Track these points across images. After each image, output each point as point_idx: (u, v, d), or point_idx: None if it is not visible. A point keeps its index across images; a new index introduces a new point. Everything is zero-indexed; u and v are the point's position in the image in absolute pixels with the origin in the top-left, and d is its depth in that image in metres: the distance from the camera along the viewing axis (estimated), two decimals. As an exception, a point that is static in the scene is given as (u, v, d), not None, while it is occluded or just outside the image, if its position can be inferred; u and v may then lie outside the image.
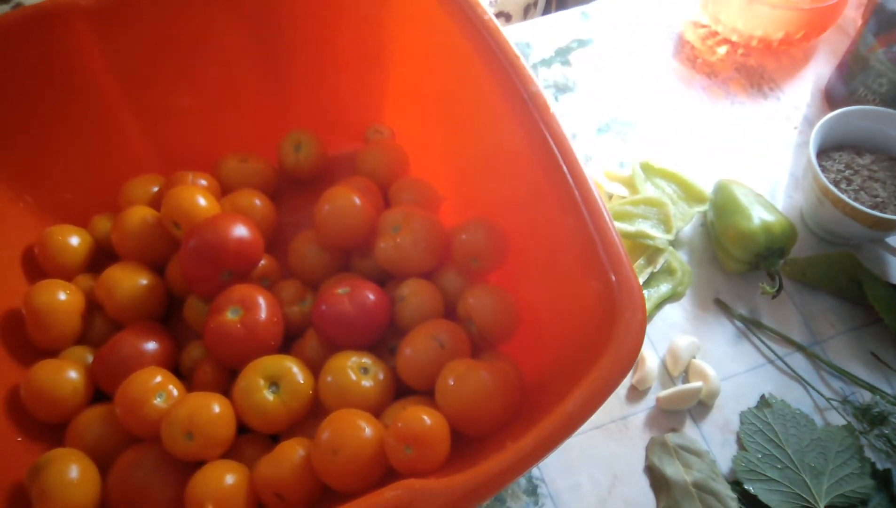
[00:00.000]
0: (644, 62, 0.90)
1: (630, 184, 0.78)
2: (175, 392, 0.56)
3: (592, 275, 0.46)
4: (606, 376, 0.42)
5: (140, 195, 0.69)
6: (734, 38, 0.90)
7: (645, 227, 0.74)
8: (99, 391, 0.60)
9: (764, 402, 0.65)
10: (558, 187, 0.49)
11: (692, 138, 0.83)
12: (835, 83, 0.84)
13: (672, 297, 0.72)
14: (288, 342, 0.63)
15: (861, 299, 0.70)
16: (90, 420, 0.57)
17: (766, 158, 0.82)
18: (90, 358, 0.61)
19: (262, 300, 0.59)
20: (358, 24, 0.71)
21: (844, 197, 0.68)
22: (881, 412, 0.64)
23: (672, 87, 0.88)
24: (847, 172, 0.72)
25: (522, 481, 0.62)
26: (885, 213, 0.69)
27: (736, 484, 0.60)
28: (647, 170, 0.79)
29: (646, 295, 0.70)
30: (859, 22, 0.80)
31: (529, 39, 0.92)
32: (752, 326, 0.70)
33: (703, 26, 0.93)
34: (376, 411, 0.56)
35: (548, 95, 0.53)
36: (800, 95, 0.87)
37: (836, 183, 0.72)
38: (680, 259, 0.73)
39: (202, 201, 0.64)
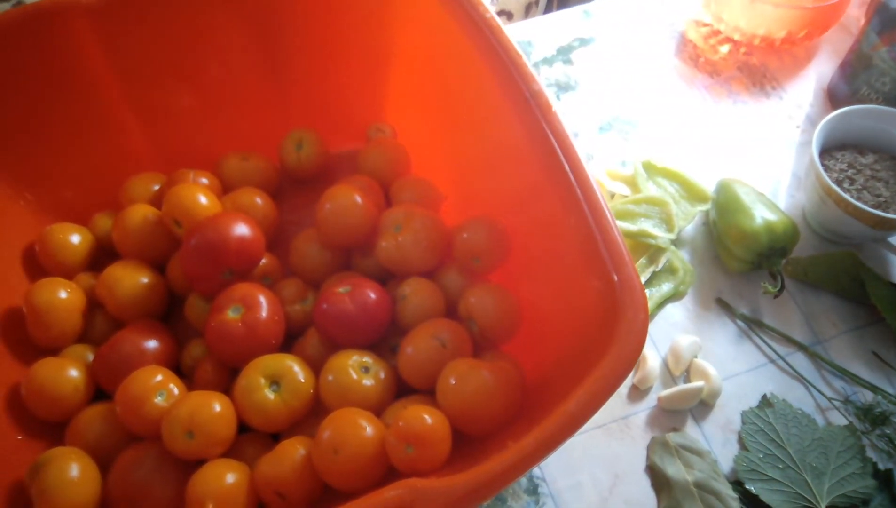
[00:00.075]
0: (646, 61, 0.90)
1: (632, 183, 0.78)
2: (176, 391, 0.56)
3: (594, 274, 0.46)
4: (608, 375, 0.42)
5: (141, 193, 0.69)
6: (736, 36, 0.90)
7: (647, 226, 0.73)
8: (99, 390, 0.60)
9: (765, 402, 0.65)
10: (560, 186, 0.49)
11: (694, 137, 0.83)
12: (837, 82, 0.84)
13: (674, 296, 0.72)
14: (289, 341, 0.63)
15: (863, 299, 0.70)
16: (91, 419, 0.57)
17: (768, 158, 0.82)
18: (91, 357, 0.61)
19: (263, 299, 0.59)
20: (359, 22, 0.70)
21: (847, 196, 0.68)
22: (883, 412, 0.64)
23: (674, 86, 0.88)
24: (850, 172, 0.72)
25: (523, 480, 0.62)
26: (887, 212, 0.68)
27: (737, 484, 0.60)
28: (649, 169, 0.79)
29: (648, 294, 0.70)
30: (862, 21, 0.80)
31: (531, 38, 0.92)
32: (753, 325, 0.70)
33: (706, 25, 0.93)
34: (377, 410, 0.55)
35: (549, 94, 0.53)
36: (802, 94, 0.87)
37: (838, 182, 0.71)
38: (682, 258, 0.73)
39: (203, 200, 0.64)
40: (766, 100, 0.87)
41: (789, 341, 0.69)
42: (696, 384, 0.65)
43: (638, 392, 0.66)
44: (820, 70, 0.89)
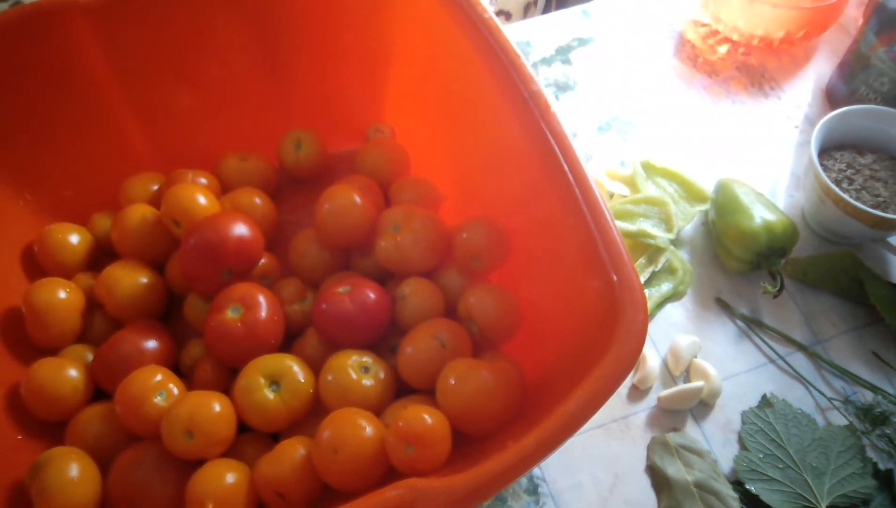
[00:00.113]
0: (645, 61, 0.90)
1: (631, 183, 0.78)
2: (175, 391, 0.56)
3: (594, 274, 0.46)
4: (608, 375, 0.42)
5: (140, 193, 0.69)
6: (735, 36, 0.90)
7: (646, 226, 0.73)
8: (99, 390, 0.60)
9: (765, 402, 0.65)
10: (559, 186, 0.49)
11: (693, 137, 0.83)
12: (836, 82, 0.84)
13: (673, 296, 0.72)
14: (288, 341, 0.62)
15: (862, 299, 0.70)
16: (90, 419, 0.57)
17: (767, 158, 0.82)
18: (90, 357, 0.61)
19: (262, 299, 0.59)
20: (358, 22, 0.70)
21: (846, 196, 0.68)
22: (883, 412, 0.64)
23: (673, 86, 0.88)
24: (848, 172, 0.72)
25: (523, 480, 0.62)
26: (886, 212, 0.69)
27: (737, 484, 0.60)
28: (648, 169, 0.79)
29: (647, 294, 0.70)
30: (860, 21, 0.80)
31: (530, 38, 0.92)
32: (753, 325, 0.70)
33: (704, 25, 0.93)
34: (377, 410, 0.55)
35: (548, 94, 0.53)
36: (801, 94, 0.87)
37: (837, 182, 0.71)
38: (681, 258, 0.73)
39: (202, 200, 0.64)
40: (765, 100, 0.87)
41: (789, 341, 0.69)
42: (696, 384, 0.65)
43: (638, 392, 0.66)
44: (818, 70, 0.89)
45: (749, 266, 0.71)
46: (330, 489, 0.52)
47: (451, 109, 0.68)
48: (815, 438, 0.62)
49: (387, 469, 0.51)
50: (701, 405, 0.66)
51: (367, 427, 0.51)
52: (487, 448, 0.48)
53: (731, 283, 0.73)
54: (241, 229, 0.62)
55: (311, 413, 0.57)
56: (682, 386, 0.65)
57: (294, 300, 0.64)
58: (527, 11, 1.22)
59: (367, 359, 0.57)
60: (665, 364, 0.68)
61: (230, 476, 0.52)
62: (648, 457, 0.63)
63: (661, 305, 0.71)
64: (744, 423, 0.64)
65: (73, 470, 0.52)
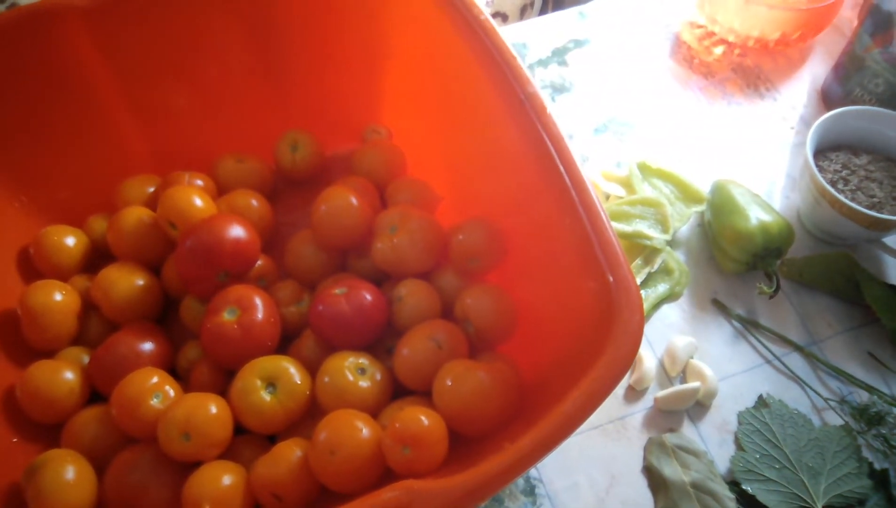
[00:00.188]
0: (641, 62, 0.90)
1: (627, 184, 0.78)
2: (171, 393, 0.56)
3: (590, 275, 0.46)
4: (604, 376, 0.42)
5: (136, 195, 0.68)
6: (731, 38, 0.90)
7: (642, 227, 0.74)
8: (95, 392, 0.60)
9: (762, 402, 0.65)
10: (555, 188, 0.49)
11: (689, 139, 0.83)
12: (831, 83, 0.84)
13: (669, 297, 0.72)
14: (285, 343, 0.62)
15: (858, 300, 0.70)
16: (86, 421, 0.57)
17: (762, 159, 0.82)
18: (86, 359, 0.61)
19: (258, 301, 0.59)
20: (355, 24, 0.70)
21: (841, 197, 0.68)
22: (878, 412, 0.64)
23: (669, 87, 0.88)
24: (844, 173, 0.72)
25: (520, 481, 0.62)
26: (881, 213, 0.69)
27: (734, 484, 0.60)
28: (644, 170, 0.79)
29: (643, 295, 0.70)
30: (855, 22, 0.80)
31: (526, 40, 0.92)
32: (749, 326, 0.70)
33: (700, 27, 0.93)
34: (374, 411, 0.55)
35: (544, 96, 0.53)
36: (796, 96, 0.87)
37: (832, 183, 0.72)
38: (677, 259, 0.73)
39: (198, 202, 0.64)
40: (761, 101, 0.87)
41: (785, 341, 0.69)
42: (693, 384, 0.65)
43: (634, 393, 0.66)
44: (814, 71, 0.89)
45: (745, 267, 0.71)
46: (326, 490, 0.52)
47: (448, 111, 0.68)
48: (812, 438, 0.63)
49: (383, 471, 0.51)
50: (697, 406, 0.66)
51: (364, 429, 0.51)
52: (484, 449, 0.48)
53: (728, 284, 0.73)
54: (237, 231, 0.62)
55: (308, 415, 0.57)
56: (678, 387, 0.65)
57: (290, 302, 0.64)
58: (523, 13, 1.22)
59: (363, 361, 0.57)
60: (661, 365, 0.68)
61: (227, 477, 0.52)
62: (645, 458, 0.63)
63: (657, 306, 0.71)
64: (740, 423, 0.64)
65: (70, 473, 0.52)
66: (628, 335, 0.43)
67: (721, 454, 0.63)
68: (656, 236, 0.73)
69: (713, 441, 0.64)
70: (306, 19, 0.69)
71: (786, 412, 0.64)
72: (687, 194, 0.77)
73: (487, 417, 0.52)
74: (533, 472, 0.62)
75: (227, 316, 0.58)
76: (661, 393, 0.65)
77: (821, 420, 0.65)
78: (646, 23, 0.94)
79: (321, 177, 0.76)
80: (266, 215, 0.69)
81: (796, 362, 0.68)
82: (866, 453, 0.63)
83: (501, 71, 0.54)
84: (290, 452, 0.52)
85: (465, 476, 0.40)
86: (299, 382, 0.56)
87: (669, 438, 0.63)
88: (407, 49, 0.70)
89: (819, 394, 0.67)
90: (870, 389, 0.66)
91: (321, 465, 0.51)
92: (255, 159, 0.73)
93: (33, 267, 0.65)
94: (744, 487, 0.60)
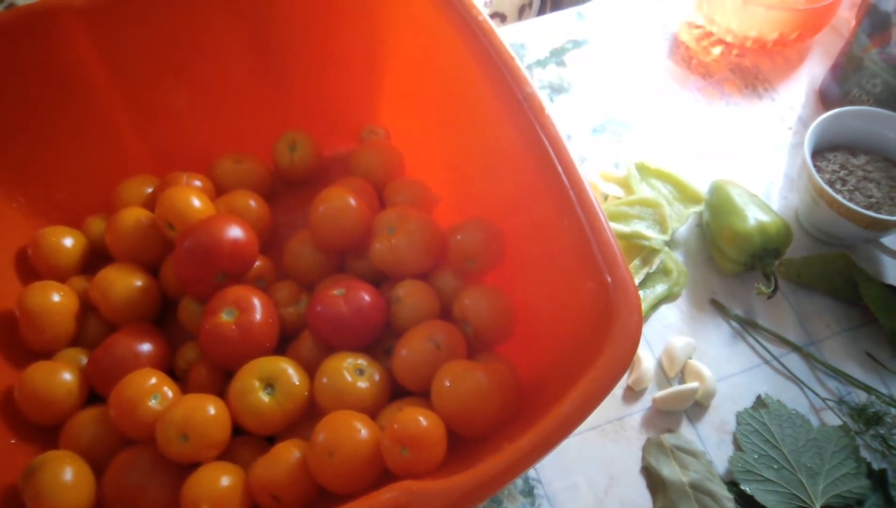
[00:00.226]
0: (639, 63, 0.90)
1: (625, 185, 0.78)
2: (170, 394, 0.56)
3: (588, 276, 0.46)
4: (603, 376, 0.42)
5: (134, 196, 0.68)
6: (729, 38, 0.90)
7: (640, 227, 0.74)
8: (93, 393, 0.59)
9: (760, 402, 0.65)
10: (553, 188, 0.49)
11: (687, 139, 0.83)
12: (829, 84, 0.84)
13: (668, 298, 0.72)
14: (283, 344, 0.62)
15: (856, 300, 0.70)
16: (84, 422, 0.57)
17: (760, 159, 0.82)
18: (84, 360, 0.61)
19: (257, 302, 0.59)
20: (353, 25, 0.70)
21: (839, 197, 0.68)
22: (877, 413, 0.64)
23: (667, 87, 0.88)
24: (842, 173, 0.73)
25: (519, 482, 0.62)
26: (879, 213, 0.69)
27: (732, 485, 0.61)
28: (643, 170, 0.79)
29: (641, 296, 0.70)
30: (853, 23, 0.80)
31: (524, 40, 0.92)
32: (747, 326, 0.70)
33: (698, 27, 0.93)
34: (372, 412, 0.55)
35: (543, 96, 0.53)
36: (794, 96, 0.87)
37: (830, 183, 0.72)
38: (675, 260, 0.73)
39: (197, 202, 0.64)
40: (759, 101, 0.87)
41: (783, 341, 0.69)
42: (691, 385, 0.65)
43: (633, 394, 0.66)
44: (811, 72, 0.90)
45: (743, 267, 0.71)
46: (325, 491, 0.52)
47: (446, 111, 0.68)
48: (810, 438, 0.63)
49: (382, 472, 0.51)
50: (696, 406, 0.66)
51: (362, 430, 0.51)
52: (483, 449, 0.48)
53: (726, 284, 0.73)
54: (235, 232, 0.62)
55: (306, 416, 0.57)
56: (676, 387, 0.65)
57: (289, 303, 0.64)
58: (522, 13, 1.22)
59: (361, 361, 0.57)
60: (660, 366, 0.68)
61: (225, 479, 0.51)
62: (643, 458, 0.63)
63: (655, 306, 0.71)
64: (738, 424, 0.64)
65: (68, 474, 0.52)
66: (627, 336, 0.43)
67: (719, 454, 0.63)
68: (654, 236, 0.73)
69: (712, 442, 0.64)
70: (306, 19, 0.69)
71: (784, 412, 0.64)
72: (685, 195, 0.77)
73: (486, 417, 0.52)
74: (531, 473, 0.62)
75: (225, 317, 0.58)
76: (660, 394, 0.65)
77: (819, 421, 0.65)
78: (644, 23, 0.94)
79: (319, 177, 0.76)
80: (264, 216, 0.69)
81: (794, 362, 0.68)
82: (864, 453, 0.63)
83: (500, 71, 0.55)
84: (288, 453, 0.52)
85: (464, 477, 0.40)
86: (298, 383, 0.56)
87: (668, 438, 0.63)
88: (405, 49, 0.70)
89: (817, 394, 0.67)
90: (868, 389, 0.66)
91: (320, 466, 0.51)
92: (254, 160, 0.73)
93: (31, 268, 0.65)
94: (742, 487, 0.60)
